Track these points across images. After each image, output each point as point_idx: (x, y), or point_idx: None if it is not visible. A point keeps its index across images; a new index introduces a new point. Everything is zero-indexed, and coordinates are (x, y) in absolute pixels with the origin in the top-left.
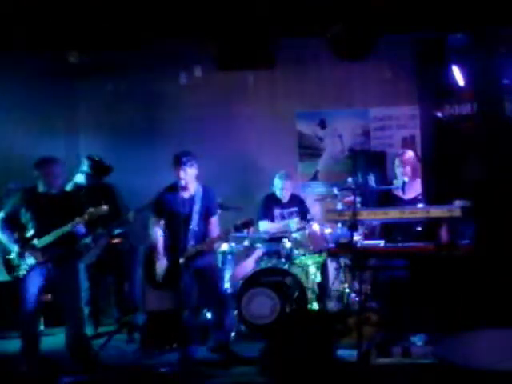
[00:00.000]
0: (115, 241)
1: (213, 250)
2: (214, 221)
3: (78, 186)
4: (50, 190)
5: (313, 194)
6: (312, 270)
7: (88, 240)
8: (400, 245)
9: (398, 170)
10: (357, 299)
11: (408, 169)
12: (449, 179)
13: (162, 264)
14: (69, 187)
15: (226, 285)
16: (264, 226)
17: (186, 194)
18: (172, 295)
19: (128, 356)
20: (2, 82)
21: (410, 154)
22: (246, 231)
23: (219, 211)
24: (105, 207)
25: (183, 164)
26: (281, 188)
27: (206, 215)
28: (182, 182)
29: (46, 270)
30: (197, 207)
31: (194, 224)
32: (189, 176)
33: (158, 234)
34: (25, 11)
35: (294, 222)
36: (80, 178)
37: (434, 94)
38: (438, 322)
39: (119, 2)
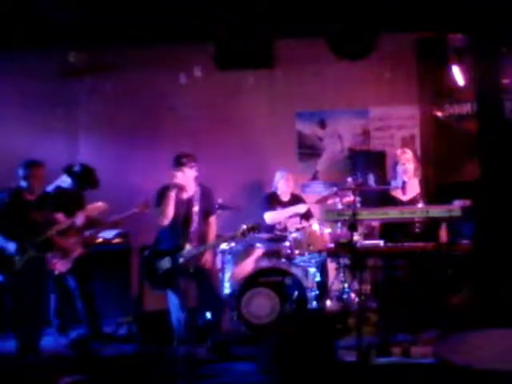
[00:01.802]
0: (115, 241)
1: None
2: (213, 220)
3: (59, 189)
4: (34, 191)
5: (313, 193)
6: (312, 269)
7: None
8: (400, 245)
9: (400, 168)
10: (357, 299)
11: (411, 167)
12: (448, 179)
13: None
14: (50, 189)
15: (226, 285)
16: (270, 216)
17: (184, 195)
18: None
19: (127, 356)
20: (2, 82)
21: (410, 153)
22: (251, 235)
23: (219, 211)
24: (100, 203)
25: (183, 165)
26: (283, 180)
27: (205, 215)
28: (182, 182)
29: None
30: (196, 208)
31: (194, 225)
32: (187, 177)
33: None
34: (25, 11)
35: (294, 222)
36: (66, 181)
37: (434, 93)
38: (438, 322)
39: (119, 1)
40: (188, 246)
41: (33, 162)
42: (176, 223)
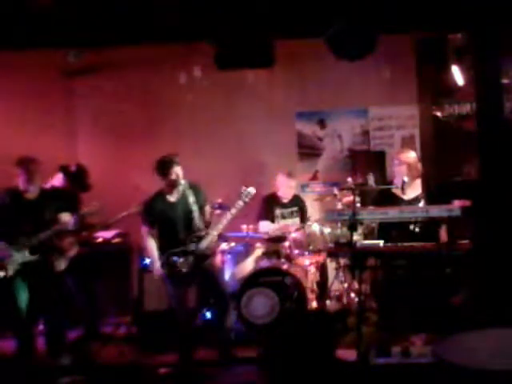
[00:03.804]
0: (115, 241)
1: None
2: (208, 209)
3: (54, 189)
4: (30, 188)
5: (312, 193)
6: (311, 269)
7: None
8: (399, 244)
9: (395, 169)
10: (356, 299)
11: (403, 168)
12: (448, 179)
13: (158, 271)
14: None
15: (226, 284)
16: (264, 226)
17: (175, 195)
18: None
19: (128, 356)
20: (2, 82)
21: (410, 153)
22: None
23: (218, 211)
24: (95, 204)
25: (177, 164)
26: (285, 186)
27: (201, 208)
28: (181, 181)
29: (33, 268)
30: (192, 201)
31: (197, 216)
32: (181, 175)
33: (153, 245)
34: (25, 11)
35: (294, 223)
36: (58, 179)
37: (434, 93)
38: (438, 322)
39: (119, 1)
40: (200, 237)
41: (22, 158)
42: (176, 222)
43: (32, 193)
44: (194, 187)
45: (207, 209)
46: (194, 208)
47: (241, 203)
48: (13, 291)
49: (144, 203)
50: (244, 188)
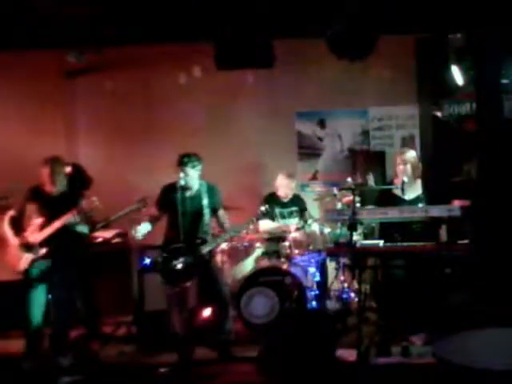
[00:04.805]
0: (114, 241)
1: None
2: (223, 213)
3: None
4: (54, 187)
5: (312, 193)
6: (312, 269)
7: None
8: (399, 244)
9: (399, 169)
10: (356, 299)
11: (408, 167)
12: (448, 179)
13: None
14: None
15: (226, 284)
16: (264, 225)
17: (189, 193)
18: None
19: (128, 356)
20: (2, 82)
21: (411, 153)
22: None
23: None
24: (94, 198)
25: (183, 165)
26: (285, 187)
27: (213, 210)
28: (182, 182)
29: (46, 264)
30: (205, 202)
31: (207, 219)
32: (190, 177)
33: (147, 224)
34: (25, 11)
35: (294, 222)
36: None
37: (434, 93)
38: (438, 322)
39: (118, 1)
40: (204, 240)
41: (48, 158)
42: (183, 216)
43: (56, 192)
44: (210, 189)
45: (221, 212)
46: (205, 209)
47: (254, 220)
48: (31, 292)
49: (163, 186)
50: (259, 212)
